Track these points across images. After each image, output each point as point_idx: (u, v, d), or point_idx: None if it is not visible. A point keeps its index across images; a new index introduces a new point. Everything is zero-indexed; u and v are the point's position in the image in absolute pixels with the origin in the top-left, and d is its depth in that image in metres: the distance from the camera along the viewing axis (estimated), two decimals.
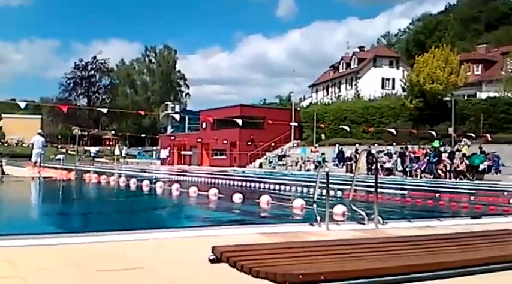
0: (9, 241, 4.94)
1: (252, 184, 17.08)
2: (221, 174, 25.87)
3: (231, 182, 18.81)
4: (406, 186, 18.53)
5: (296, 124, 45.13)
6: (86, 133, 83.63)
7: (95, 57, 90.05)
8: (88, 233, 5.71)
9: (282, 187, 15.84)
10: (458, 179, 26.72)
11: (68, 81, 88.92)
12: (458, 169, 27.72)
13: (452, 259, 3.21)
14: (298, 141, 50.17)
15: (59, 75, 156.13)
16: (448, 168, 28.26)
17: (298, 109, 55.45)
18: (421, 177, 28.59)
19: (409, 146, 34.14)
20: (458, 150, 29.83)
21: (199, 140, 53.67)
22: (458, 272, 3.09)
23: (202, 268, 3.71)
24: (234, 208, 10.65)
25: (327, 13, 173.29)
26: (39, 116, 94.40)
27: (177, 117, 58.00)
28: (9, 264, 3.98)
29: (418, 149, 32.49)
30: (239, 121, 32.56)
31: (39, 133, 24.08)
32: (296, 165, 41.16)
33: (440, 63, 39.05)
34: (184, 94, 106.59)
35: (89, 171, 22.93)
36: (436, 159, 28.75)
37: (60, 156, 43.00)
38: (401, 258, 3.09)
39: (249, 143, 47.83)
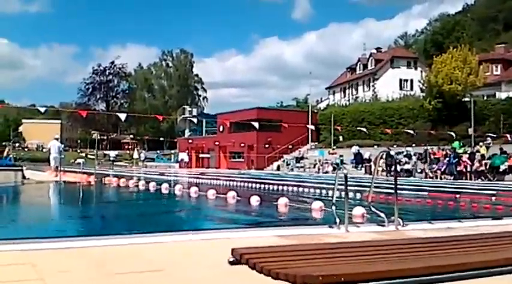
0: (31, 244, 5.00)
1: (270, 187, 17.08)
2: (231, 176, 25.90)
3: (249, 184, 18.82)
4: (425, 187, 18.35)
5: (313, 126, 45.02)
6: (105, 137, 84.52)
7: (113, 62, 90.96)
8: (108, 236, 5.76)
9: (300, 189, 15.82)
10: (479, 180, 26.40)
11: (87, 86, 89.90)
12: (478, 170, 27.39)
13: (473, 260, 3.17)
14: (316, 143, 50.07)
15: (77, 80, 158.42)
16: (469, 169, 27.94)
17: (316, 111, 55.33)
18: (441, 178, 28.31)
19: (428, 147, 33.89)
20: (477, 151, 29.51)
21: (217, 143, 53.84)
22: (479, 273, 3.05)
23: (221, 270, 3.72)
24: (252, 210, 10.66)
25: (344, 15, 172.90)
26: (59, 121, 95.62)
27: (195, 120, 58.23)
28: (31, 267, 4.02)
29: (437, 150, 32.21)
30: (256, 124, 32.61)
31: (56, 139, 24.38)
32: (314, 167, 41.05)
33: (459, 64, 38.71)
34: (201, 98, 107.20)
35: (108, 175, 23.12)
36: (456, 160, 28.46)
37: (80, 160, 43.33)
38: (423, 259, 3.06)
39: (267, 146, 47.84)
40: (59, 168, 22.93)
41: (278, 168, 45.43)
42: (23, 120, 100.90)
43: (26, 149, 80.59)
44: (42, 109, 30.45)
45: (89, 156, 66.31)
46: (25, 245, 4.93)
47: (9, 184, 18.58)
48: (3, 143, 65.03)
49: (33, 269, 3.97)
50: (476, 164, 27.53)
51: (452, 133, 33.55)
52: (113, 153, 59.71)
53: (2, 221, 8.79)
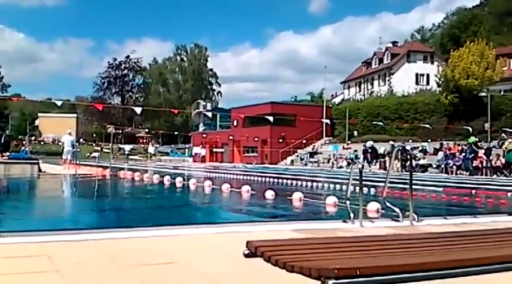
0: (46, 236, 5.04)
1: (284, 181, 17.09)
2: (245, 171, 25.92)
3: (264, 179, 18.84)
4: (441, 183, 18.20)
5: (328, 121, 44.85)
6: (120, 131, 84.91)
7: (128, 57, 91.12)
8: (122, 229, 5.79)
9: (314, 184, 15.78)
10: (495, 175, 26.13)
11: (102, 80, 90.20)
12: (495, 165, 27.11)
13: (488, 255, 3.14)
14: (330, 138, 49.90)
15: (93, 74, 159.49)
16: (485, 164, 27.66)
17: (330, 106, 55.12)
18: (456, 174, 28.07)
19: (444, 142, 33.66)
20: (497, 146, 29.20)
21: (231, 137, 53.90)
22: (494, 268, 3.02)
23: (236, 263, 3.72)
24: (267, 204, 10.65)
25: (360, 8, 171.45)
26: (75, 115, 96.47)
27: (209, 114, 58.35)
28: (47, 259, 4.05)
29: (453, 145, 31.94)
30: (270, 119, 32.59)
31: (69, 133, 25.31)
32: (328, 162, 40.93)
33: (476, 58, 38.32)
34: (215, 92, 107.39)
35: (123, 169, 23.27)
36: (472, 155, 28.18)
37: (95, 154, 43.74)
38: (438, 254, 3.03)
39: (280, 140, 47.78)
40: (72, 161, 23.62)
41: (292, 163, 45.37)
42: (39, 114, 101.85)
43: (42, 143, 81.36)
44: (59, 103, 30.90)
45: (104, 150, 66.80)
46: (41, 237, 4.97)
47: (26, 177, 18.78)
48: (20, 136, 65.81)
49: (49, 260, 4.00)
50: (493, 159, 27.25)
51: (468, 128, 33.27)
52: (127, 147, 60.12)
53: (19, 214, 8.89)
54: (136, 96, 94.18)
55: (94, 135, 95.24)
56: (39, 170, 20.84)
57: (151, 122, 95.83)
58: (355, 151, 38.51)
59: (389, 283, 2.36)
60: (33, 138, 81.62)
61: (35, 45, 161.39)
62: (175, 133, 70.92)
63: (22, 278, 3.47)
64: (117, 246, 4.73)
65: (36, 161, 21.83)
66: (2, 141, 24.12)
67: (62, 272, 3.64)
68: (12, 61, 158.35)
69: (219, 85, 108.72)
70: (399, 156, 27.61)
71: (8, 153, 23.04)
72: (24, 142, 52.19)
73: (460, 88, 38.49)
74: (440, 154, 30.69)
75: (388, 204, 7.04)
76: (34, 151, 46.55)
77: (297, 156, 47.34)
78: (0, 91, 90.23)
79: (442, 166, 30.02)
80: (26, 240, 4.80)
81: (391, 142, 35.63)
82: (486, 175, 26.77)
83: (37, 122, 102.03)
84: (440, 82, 43.23)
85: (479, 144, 30.30)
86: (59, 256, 4.15)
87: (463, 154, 29.00)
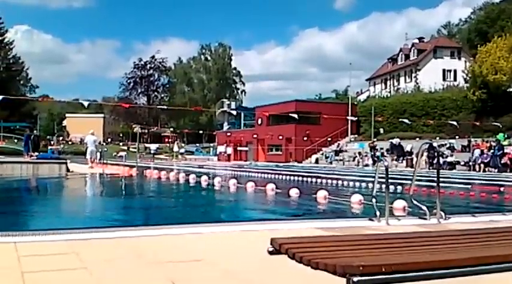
0: (75, 234, 5.12)
1: (307, 179, 17.05)
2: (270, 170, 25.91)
3: (288, 177, 18.82)
4: (469, 181, 17.93)
5: (353, 118, 44.52)
6: (146, 130, 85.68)
7: (153, 57, 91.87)
8: (148, 227, 5.85)
9: (340, 182, 15.70)
10: None
11: (128, 81, 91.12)
12: None
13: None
14: (356, 135, 49.53)
15: (119, 74, 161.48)
16: None
17: (355, 103, 54.67)
18: (484, 171, 27.61)
19: (472, 139, 33.16)
20: None
21: (255, 136, 53.89)
22: None
23: (260, 260, 3.72)
24: (292, 202, 10.64)
25: (386, 3, 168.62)
26: (102, 115, 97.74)
27: (234, 113, 58.42)
28: (76, 256, 4.12)
29: (481, 142, 31.41)
30: (295, 116, 32.50)
31: (91, 133, 25.88)
32: (353, 160, 40.66)
33: (504, 53, 37.67)
34: (239, 91, 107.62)
35: (149, 167, 23.50)
36: (501, 152, 27.68)
37: (122, 153, 44.41)
38: (465, 251, 2.99)
39: (305, 138, 47.58)
40: (95, 161, 24.28)
41: (316, 161, 45.16)
42: (67, 115, 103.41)
43: (69, 142, 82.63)
44: (86, 103, 31.44)
45: (131, 149, 67.49)
46: (69, 235, 5.05)
47: (54, 177, 19.11)
48: (48, 137, 66.99)
49: (77, 258, 4.06)
50: None
51: (497, 124, 32.70)
52: (153, 146, 60.62)
53: (47, 212, 9.05)
54: (162, 95, 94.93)
55: (121, 135, 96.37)
56: (67, 169, 21.19)
57: (176, 121, 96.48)
58: (381, 149, 38.18)
59: (413, 279, 2.34)
60: (61, 138, 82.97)
61: (62, 47, 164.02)
62: (200, 132, 71.27)
63: (51, 276, 3.53)
64: (144, 244, 4.78)
65: (64, 161, 22.22)
66: (31, 141, 24.64)
67: (90, 269, 3.70)
68: (40, 62, 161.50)
69: (243, 84, 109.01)
70: (426, 153, 27.26)
71: (36, 153, 23.51)
72: (52, 142, 53.15)
73: (488, 84, 37.88)
74: (477, 152, 29.96)
75: (414, 201, 6.97)
76: (62, 151, 47.32)
77: (322, 154, 47.07)
78: (29, 92, 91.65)
79: (471, 163, 29.55)
80: (55, 238, 4.88)
81: (394, 140, 35.37)
82: None
83: (65, 122, 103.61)
84: (468, 78, 42.61)
85: (505, 142, 29.77)
86: (86, 253, 4.21)
87: (491, 151, 28.52)
